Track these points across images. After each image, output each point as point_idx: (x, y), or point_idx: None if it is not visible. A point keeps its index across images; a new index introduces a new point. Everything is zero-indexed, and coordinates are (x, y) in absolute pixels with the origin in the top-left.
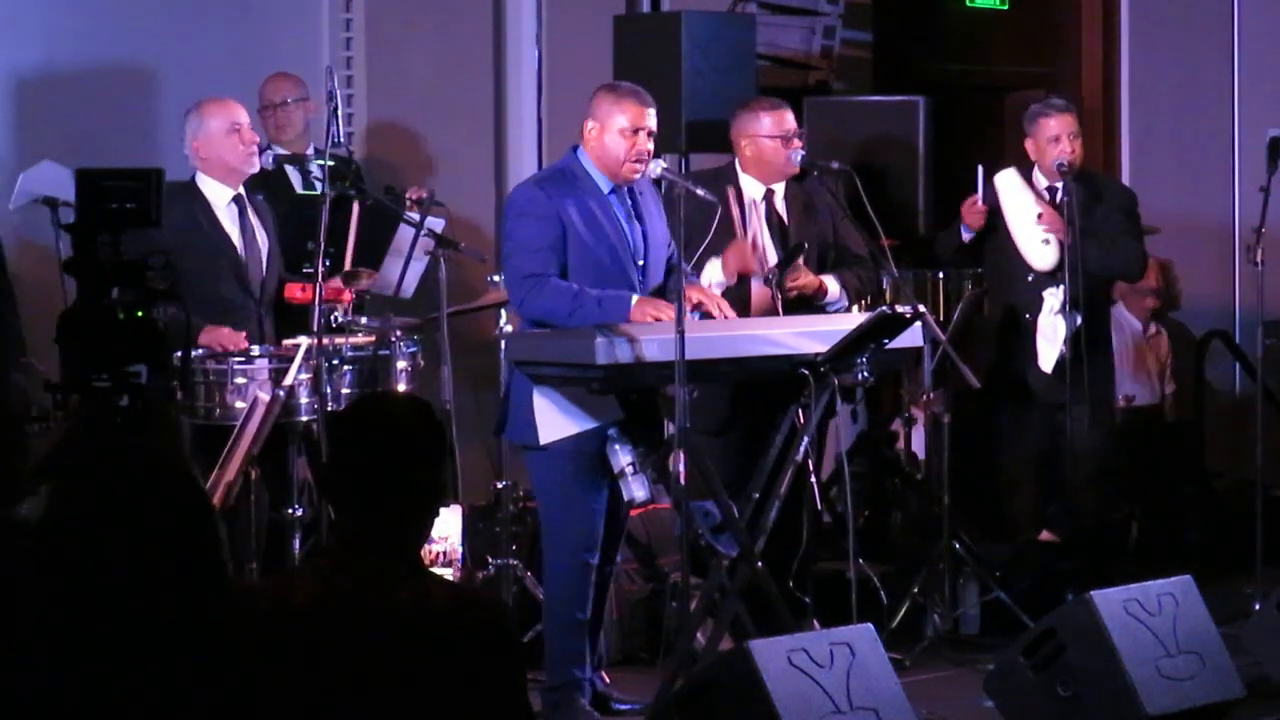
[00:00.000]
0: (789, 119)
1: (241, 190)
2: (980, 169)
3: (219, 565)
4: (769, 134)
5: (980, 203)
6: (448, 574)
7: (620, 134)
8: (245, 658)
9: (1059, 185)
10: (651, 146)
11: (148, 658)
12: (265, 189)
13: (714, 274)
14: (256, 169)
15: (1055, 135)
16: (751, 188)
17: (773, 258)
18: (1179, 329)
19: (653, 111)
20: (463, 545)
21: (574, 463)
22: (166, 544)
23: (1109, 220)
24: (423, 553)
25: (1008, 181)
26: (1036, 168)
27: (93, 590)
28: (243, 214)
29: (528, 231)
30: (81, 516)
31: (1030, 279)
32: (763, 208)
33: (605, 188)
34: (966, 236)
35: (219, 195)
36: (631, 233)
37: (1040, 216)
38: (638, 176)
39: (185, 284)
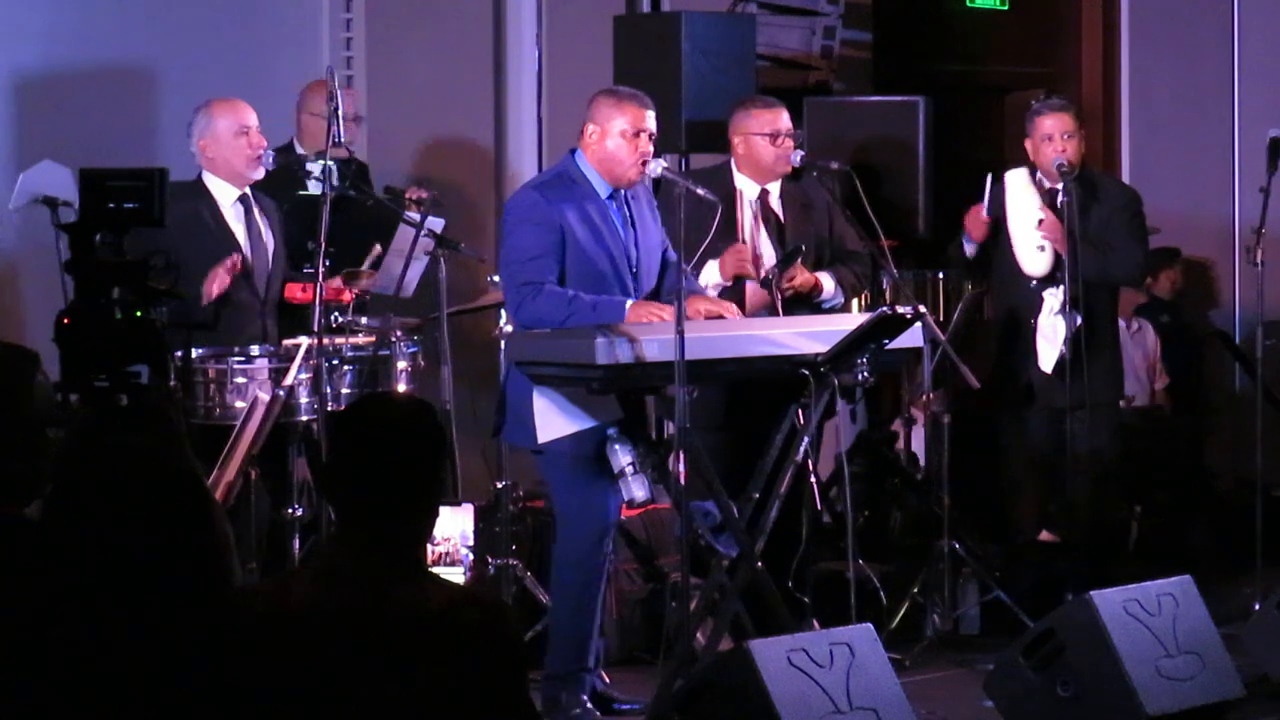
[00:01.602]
0: (782, 119)
1: (247, 190)
2: (989, 178)
3: (220, 565)
4: (758, 131)
5: (985, 213)
6: (455, 574)
7: (622, 136)
8: (244, 658)
9: (1059, 186)
10: (652, 149)
11: (147, 655)
12: (280, 186)
13: (711, 275)
14: (260, 175)
15: (1049, 134)
16: (746, 186)
17: (769, 256)
18: (1191, 328)
19: (653, 114)
20: (472, 545)
21: (578, 460)
22: (165, 544)
23: (1110, 222)
24: (425, 553)
25: (1016, 181)
26: (1037, 168)
27: (92, 589)
28: (248, 213)
29: (526, 238)
30: (81, 516)
31: (1032, 281)
32: (758, 206)
33: (604, 193)
34: (969, 249)
35: (225, 194)
36: (627, 239)
37: (1041, 223)
38: (640, 179)
39: (190, 282)
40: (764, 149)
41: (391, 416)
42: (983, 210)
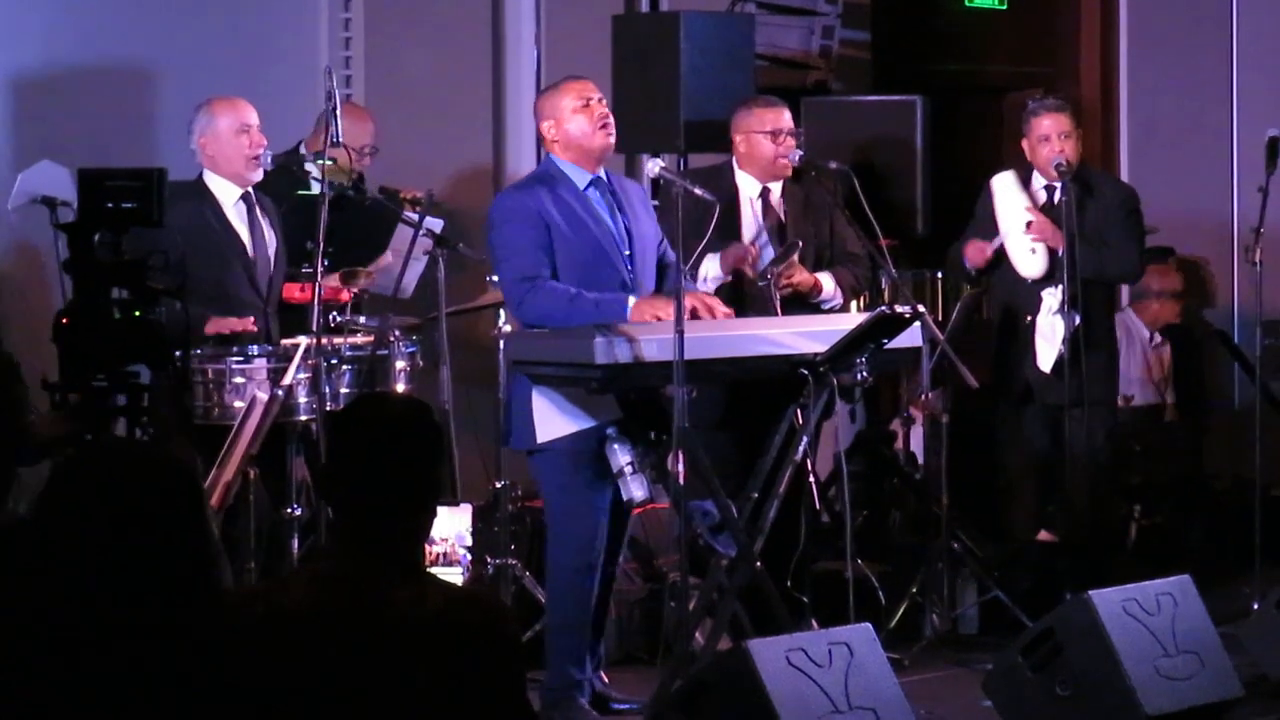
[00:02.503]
0: (783, 117)
1: (249, 189)
2: (1000, 241)
3: (212, 567)
4: (760, 130)
5: (989, 253)
6: (452, 575)
7: (575, 113)
8: (242, 660)
9: (1057, 185)
10: (608, 112)
11: (145, 656)
12: (282, 188)
13: (711, 269)
14: (260, 175)
15: (1045, 135)
16: (748, 185)
17: (769, 255)
18: (1186, 327)
19: (591, 84)
20: (469, 546)
21: (575, 462)
22: (161, 540)
23: (1106, 220)
24: (423, 553)
25: (1004, 184)
26: (1031, 169)
27: (87, 587)
28: (251, 212)
29: (514, 235)
30: (74, 511)
31: (1029, 280)
32: (759, 205)
33: (582, 183)
34: (969, 268)
35: (227, 193)
36: (615, 225)
37: (1029, 225)
38: (611, 140)
39: (194, 283)
40: (765, 147)
41: (388, 416)
42: (988, 249)
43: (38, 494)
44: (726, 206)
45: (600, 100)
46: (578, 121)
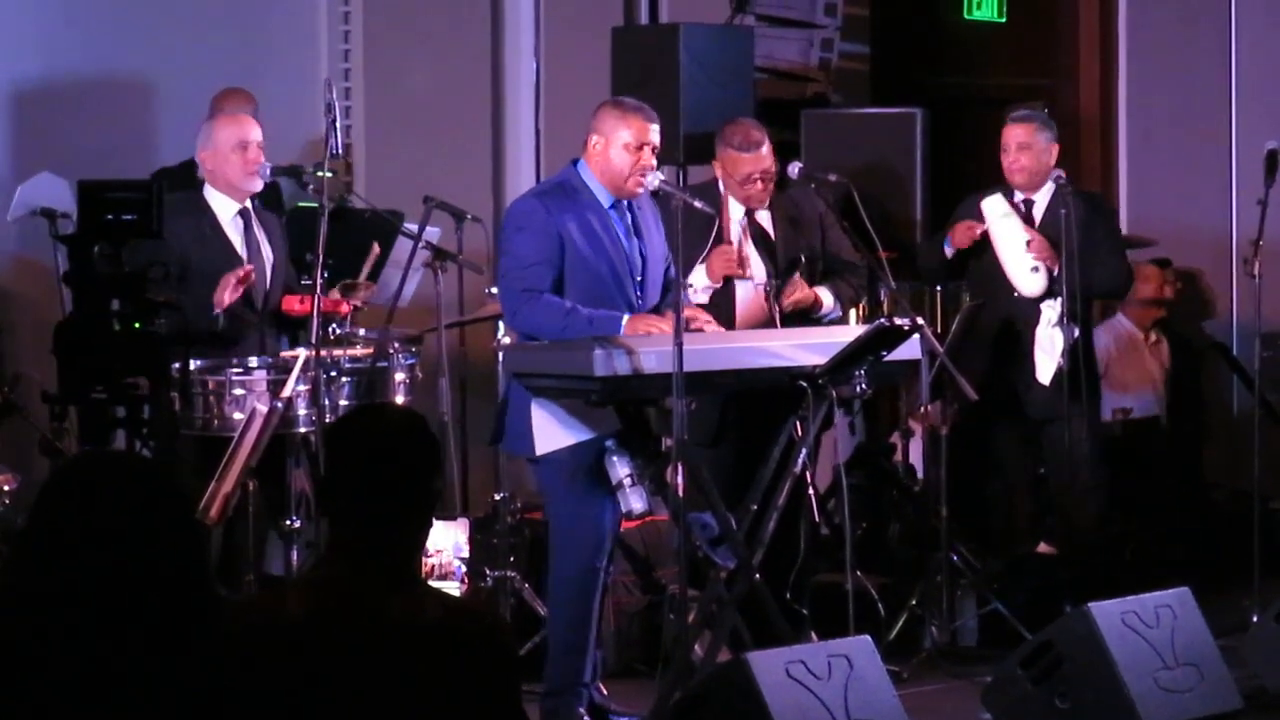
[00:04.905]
0: (757, 161)
1: (248, 203)
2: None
3: (206, 575)
4: (729, 173)
5: (978, 231)
6: (449, 588)
7: (625, 149)
8: (239, 670)
9: (1032, 198)
10: (654, 162)
11: (142, 667)
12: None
13: (699, 279)
14: (258, 188)
15: (1005, 145)
16: (734, 206)
17: (760, 272)
18: (1185, 339)
19: (657, 127)
20: (465, 558)
21: (576, 471)
22: (157, 550)
23: (1087, 235)
24: (420, 564)
25: (994, 207)
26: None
27: (79, 599)
28: (248, 227)
29: (525, 245)
30: (64, 524)
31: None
32: (745, 223)
33: (606, 202)
34: (949, 252)
35: (225, 208)
36: (630, 249)
37: (1029, 244)
38: (641, 191)
39: (189, 295)
40: (733, 187)
41: (385, 427)
42: (976, 230)
43: (32, 504)
44: (721, 220)
45: (653, 150)
46: (622, 158)
